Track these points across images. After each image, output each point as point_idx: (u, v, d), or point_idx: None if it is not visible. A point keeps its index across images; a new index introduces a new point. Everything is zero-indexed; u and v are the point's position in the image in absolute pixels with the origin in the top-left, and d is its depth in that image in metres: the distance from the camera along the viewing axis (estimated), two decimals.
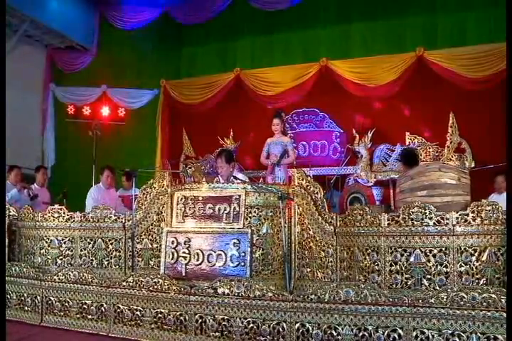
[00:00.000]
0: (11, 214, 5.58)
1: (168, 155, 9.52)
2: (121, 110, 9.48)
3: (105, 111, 9.36)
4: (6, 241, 5.49)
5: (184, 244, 4.38)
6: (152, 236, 4.99)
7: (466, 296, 3.28)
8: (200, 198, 4.43)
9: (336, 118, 8.23)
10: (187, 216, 4.46)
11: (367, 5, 8.59)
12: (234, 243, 4.20)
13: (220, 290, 3.92)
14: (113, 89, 9.76)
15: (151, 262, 4.97)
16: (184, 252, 4.37)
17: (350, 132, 7.90)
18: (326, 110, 8.27)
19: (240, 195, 4.31)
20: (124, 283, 4.33)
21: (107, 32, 10.02)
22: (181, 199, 4.52)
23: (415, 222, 3.85)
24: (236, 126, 8.95)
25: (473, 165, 6.94)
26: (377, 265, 3.99)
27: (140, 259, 5.01)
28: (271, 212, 4.47)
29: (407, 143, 7.52)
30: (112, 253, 5.08)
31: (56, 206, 5.29)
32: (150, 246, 4.98)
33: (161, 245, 4.81)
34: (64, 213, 5.20)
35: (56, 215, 5.24)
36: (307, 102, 8.44)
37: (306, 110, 8.35)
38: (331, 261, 4.33)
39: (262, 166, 7.40)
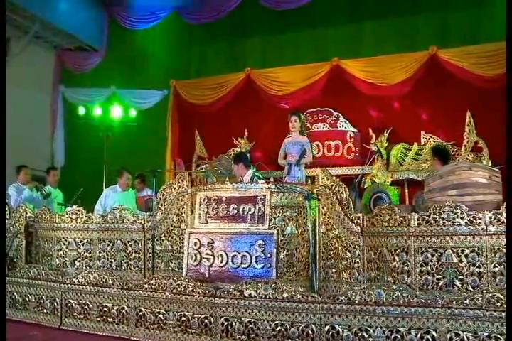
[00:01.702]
0: (27, 215, 5.52)
1: (179, 155, 9.44)
2: (131, 110, 9.39)
3: (115, 111, 9.26)
4: (24, 242, 5.43)
5: (207, 245, 4.30)
6: (172, 238, 4.93)
7: (503, 297, 3.19)
8: (224, 198, 4.35)
9: (351, 118, 8.13)
10: (210, 217, 4.38)
11: (378, 3, 8.50)
12: (259, 244, 4.12)
13: (246, 293, 3.81)
14: (122, 89, 9.70)
15: (171, 264, 4.91)
16: (207, 254, 4.30)
17: (365, 132, 7.81)
18: (340, 110, 8.16)
19: (264, 195, 4.24)
20: (146, 286, 4.22)
21: (116, 32, 10.00)
22: (204, 200, 4.44)
23: (446, 222, 3.77)
24: (248, 126, 8.85)
25: (489, 164, 6.83)
26: (407, 265, 3.90)
27: (160, 261, 4.93)
28: (295, 212, 4.40)
29: (422, 143, 7.45)
30: (131, 255, 5.00)
31: (74, 207, 5.19)
32: (170, 248, 4.92)
33: (181, 246, 4.78)
34: (82, 214, 5.13)
35: (74, 216, 5.16)
36: (321, 102, 8.33)
37: (320, 110, 8.24)
38: (358, 262, 4.24)
39: (276, 166, 7.36)
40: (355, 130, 8.06)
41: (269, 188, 4.31)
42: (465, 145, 7.15)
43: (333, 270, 4.40)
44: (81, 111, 9.30)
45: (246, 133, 8.58)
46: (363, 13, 8.61)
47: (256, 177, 4.56)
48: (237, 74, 9.16)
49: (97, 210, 6.31)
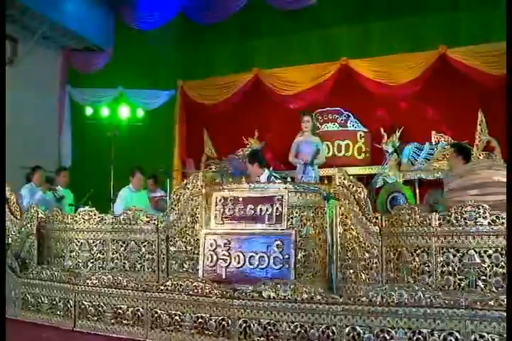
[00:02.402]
0: (39, 216, 5.46)
1: (187, 155, 9.43)
2: (139, 111, 9.35)
3: (123, 112, 9.22)
4: (35, 243, 5.38)
5: (224, 246, 4.26)
6: (186, 239, 4.84)
7: None
8: (241, 199, 4.31)
9: (361, 118, 8.12)
10: (226, 217, 4.35)
11: (386, 3, 8.45)
12: (277, 245, 4.08)
13: (265, 294, 3.75)
14: (129, 90, 9.68)
15: (185, 265, 4.82)
16: (224, 254, 4.25)
17: (376, 131, 7.78)
18: (350, 109, 8.15)
19: (282, 195, 4.20)
20: (162, 287, 4.15)
21: (123, 32, 9.96)
22: (220, 200, 4.41)
23: (468, 222, 3.71)
24: (257, 125, 8.85)
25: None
26: (428, 266, 3.85)
27: (174, 262, 4.86)
28: (312, 212, 4.37)
29: (433, 142, 7.40)
30: (144, 256, 4.93)
31: (86, 208, 5.14)
32: (184, 249, 4.83)
33: (195, 247, 4.74)
34: (95, 215, 5.07)
35: (87, 217, 5.09)
36: (330, 102, 8.33)
37: (330, 109, 8.23)
38: (376, 263, 4.19)
39: (287, 166, 7.32)
40: (366, 129, 8.04)
41: (286, 188, 4.27)
42: (477, 145, 7.11)
43: (351, 271, 4.35)
44: (88, 111, 9.25)
45: (256, 133, 8.52)
46: (371, 13, 8.57)
47: (273, 177, 4.50)
48: (244, 74, 9.16)
49: (118, 211, 6.19)
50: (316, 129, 6.79)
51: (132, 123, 9.21)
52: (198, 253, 4.70)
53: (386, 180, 6.91)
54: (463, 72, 7.47)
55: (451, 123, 7.63)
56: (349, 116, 8.12)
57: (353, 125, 8.08)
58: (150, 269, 4.91)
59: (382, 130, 7.54)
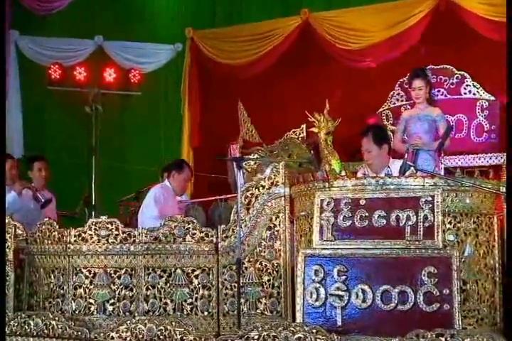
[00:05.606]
0: (17, 233, 5.25)
1: (199, 139, 9.56)
2: (132, 74, 9.29)
3: (107, 75, 9.19)
4: (12, 276, 5.17)
5: (338, 275, 4.05)
6: (261, 264, 4.75)
7: None
8: (363, 201, 4.11)
9: (482, 81, 7.96)
10: (340, 230, 4.14)
11: None
12: (429, 273, 3.84)
13: None
14: (113, 42, 9.56)
15: (259, 304, 4.71)
16: (338, 288, 4.03)
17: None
18: (466, 68, 8.04)
19: (433, 196, 3.98)
20: None
21: None
22: (328, 204, 4.19)
23: None
24: (312, 96, 8.82)
25: None
26: None
27: (242, 300, 4.67)
28: (474, 222, 4.18)
29: None
30: (197, 292, 4.78)
31: (103, 218, 4.91)
32: (258, 280, 4.72)
33: (275, 278, 4.69)
34: (117, 229, 4.85)
35: (104, 233, 4.86)
36: (423, 58, 8.18)
37: (435, 68, 8.04)
38: None
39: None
40: (492, 97, 7.88)
41: (435, 185, 4.06)
42: None
43: None
44: (53, 73, 9.12)
45: (327, 106, 8.39)
46: None
47: (412, 168, 4.26)
48: (288, 20, 9.22)
49: (153, 217, 5.96)
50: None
51: (122, 92, 9.19)
52: (279, 287, 4.69)
53: None
54: None
55: None
56: (464, 77, 8.01)
57: (469, 91, 7.96)
58: (206, 312, 4.78)
59: None
